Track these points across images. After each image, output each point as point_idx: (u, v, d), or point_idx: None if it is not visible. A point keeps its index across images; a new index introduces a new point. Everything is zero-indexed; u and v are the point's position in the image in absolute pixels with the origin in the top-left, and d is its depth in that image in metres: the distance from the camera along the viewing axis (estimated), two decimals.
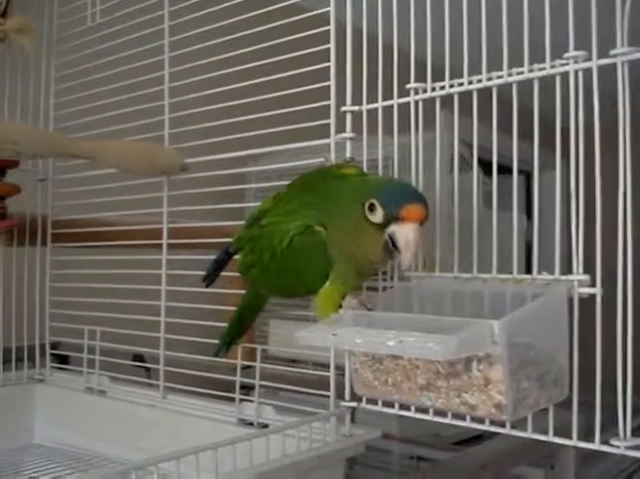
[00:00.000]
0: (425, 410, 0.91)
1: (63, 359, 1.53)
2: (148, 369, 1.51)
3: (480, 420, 0.86)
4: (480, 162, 0.95)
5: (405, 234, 0.80)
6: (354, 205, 0.84)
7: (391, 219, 0.81)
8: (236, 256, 1.03)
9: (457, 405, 0.77)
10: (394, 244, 0.81)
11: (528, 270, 0.86)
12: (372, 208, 0.82)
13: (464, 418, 0.87)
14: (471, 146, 0.94)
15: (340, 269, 0.89)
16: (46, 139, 1.10)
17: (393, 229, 0.81)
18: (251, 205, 1.23)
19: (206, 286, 1.06)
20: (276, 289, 1.01)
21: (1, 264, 1.38)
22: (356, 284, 0.94)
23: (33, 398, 1.41)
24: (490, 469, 1.27)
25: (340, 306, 0.90)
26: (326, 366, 1.05)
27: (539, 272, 0.84)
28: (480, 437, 1.62)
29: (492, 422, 0.85)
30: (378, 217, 0.81)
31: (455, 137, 0.98)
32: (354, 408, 1.00)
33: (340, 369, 1.02)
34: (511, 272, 0.87)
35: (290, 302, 1.55)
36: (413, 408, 0.91)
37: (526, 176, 4.07)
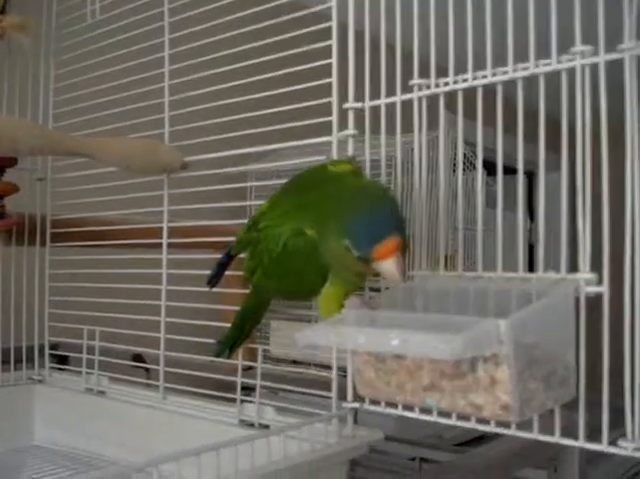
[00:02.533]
0: (429, 411, 0.90)
1: (62, 360, 1.52)
2: (147, 369, 1.50)
3: (485, 421, 0.84)
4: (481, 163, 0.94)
5: (385, 270, 0.80)
6: (336, 235, 0.83)
7: (366, 259, 0.80)
8: (240, 257, 1.02)
9: (461, 406, 0.76)
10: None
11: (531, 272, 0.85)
12: (347, 249, 0.81)
13: (468, 419, 0.86)
14: (473, 145, 0.93)
15: (336, 273, 0.88)
16: (44, 136, 1.08)
17: (374, 263, 0.80)
18: (253, 203, 1.22)
19: (211, 288, 1.05)
20: (279, 293, 1.01)
21: (0, 264, 1.37)
22: (357, 283, 0.93)
23: (32, 399, 1.40)
24: (494, 471, 1.25)
25: (343, 306, 0.88)
26: (327, 368, 1.04)
27: (545, 271, 0.82)
28: (482, 438, 1.62)
29: (498, 423, 0.84)
30: (355, 256, 0.81)
31: (459, 134, 0.97)
32: (356, 409, 0.99)
33: (342, 371, 1.01)
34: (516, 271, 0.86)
35: (292, 304, 1.54)
36: (417, 409, 0.90)
37: (529, 177, 4.07)
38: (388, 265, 0.79)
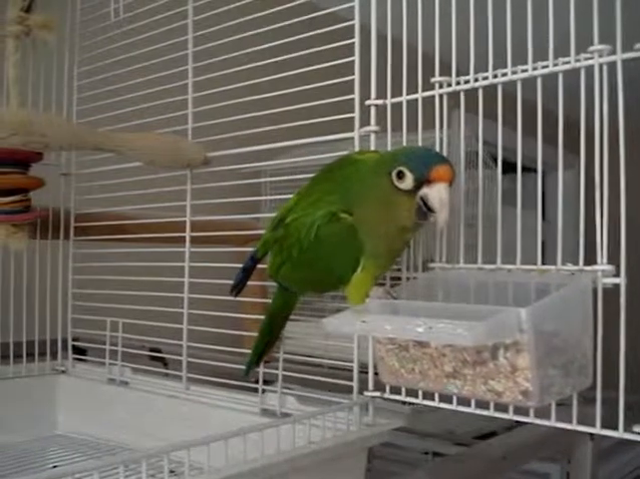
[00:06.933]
0: (449, 400, 0.92)
1: (82, 354, 1.54)
2: (166, 364, 1.53)
3: (504, 409, 0.87)
4: (495, 160, 0.96)
5: (437, 193, 0.81)
6: (379, 177, 0.85)
7: (421, 182, 0.82)
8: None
9: (483, 392, 0.78)
10: (427, 207, 0.83)
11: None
12: (400, 175, 0.83)
13: (487, 407, 0.88)
14: (488, 144, 0.95)
15: (371, 249, 0.89)
16: (72, 131, 1.11)
17: (424, 191, 0.82)
18: (273, 198, 1.24)
19: (235, 296, 1.06)
20: (308, 285, 1.01)
21: (25, 257, 1.39)
22: (387, 264, 0.95)
23: (55, 389, 1.43)
24: (506, 462, 1.27)
25: (367, 296, 0.91)
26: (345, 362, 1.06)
27: (564, 263, 0.85)
28: (493, 434, 1.63)
29: (516, 411, 0.86)
30: (408, 182, 0.83)
31: (479, 131, 0.99)
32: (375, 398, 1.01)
33: (362, 366, 1.03)
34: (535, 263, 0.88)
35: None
36: (437, 397, 0.92)
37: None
38: (441, 189, 0.81)
